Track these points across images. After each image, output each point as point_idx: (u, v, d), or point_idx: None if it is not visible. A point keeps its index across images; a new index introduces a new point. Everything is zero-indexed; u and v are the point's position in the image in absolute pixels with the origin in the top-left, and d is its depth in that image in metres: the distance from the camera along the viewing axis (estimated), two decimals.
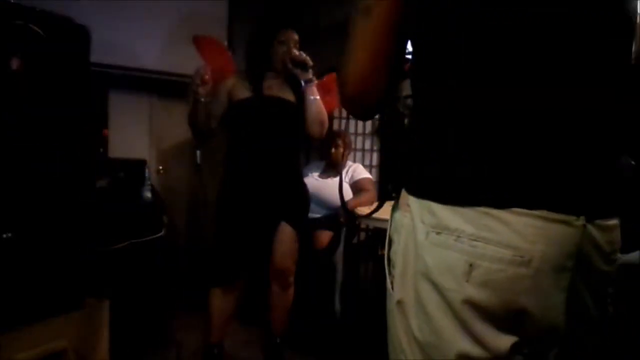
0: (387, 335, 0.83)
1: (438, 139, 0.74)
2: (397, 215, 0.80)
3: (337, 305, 2.98)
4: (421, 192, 0.75)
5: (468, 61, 0.71)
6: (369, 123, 3.95)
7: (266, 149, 2.25)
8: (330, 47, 4.09)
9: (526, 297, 0.69)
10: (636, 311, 1.97)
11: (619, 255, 0.83)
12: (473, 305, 0.69)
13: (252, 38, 2.40)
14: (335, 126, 3.97)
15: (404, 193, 0.80)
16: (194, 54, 2.59)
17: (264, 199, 2.26)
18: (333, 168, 3.31)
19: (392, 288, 0.79)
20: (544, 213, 0.68)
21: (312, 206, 3.15)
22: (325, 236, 3.05)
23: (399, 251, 0.78)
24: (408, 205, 0.77)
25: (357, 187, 3.20)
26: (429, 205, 0.73)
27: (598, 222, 0.74)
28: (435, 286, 0.71)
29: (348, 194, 3.17)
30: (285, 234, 2.34)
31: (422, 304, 0.73)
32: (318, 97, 2.28)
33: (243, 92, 2.27)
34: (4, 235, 1.67)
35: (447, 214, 0.71)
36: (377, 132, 3.95)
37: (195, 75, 2.11)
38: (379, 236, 3.65)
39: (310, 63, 2.24)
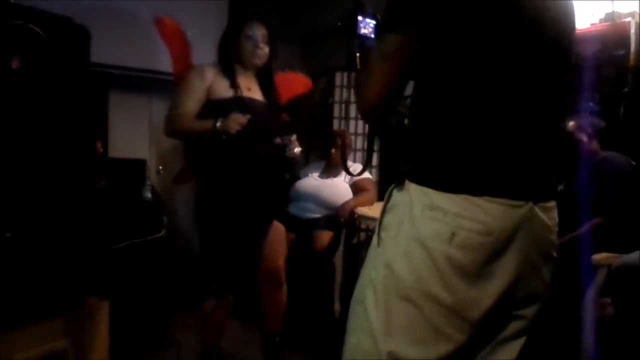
0: (360, 276, 1.13)
1: (435, 146, 1.05)
2: (399, 195, 1.08)
3: (337, 306, 2.98)
4: (420, 181, 1.03)
5: (458, 97, 1.02)
6: None
7: (249, 151, 2.17)
8: (330, 47, 4.09)
9: (486, 256, 0.99)
10: (636, 311, 1.97)
11: (557, 228, 1.13)
12: (451, 261, 0.98)
13: (223, 32, 2.30)
14: (335, 126, 3.98)
15: (406, 181, 1.07)
16: (194, 54, 2.58)
17: (254, 201, 2.22)
18: (333, 168, 3.31)
19: (379, 244, 1.09)
20: (504, 200, 0.99)
21: (312, 206, 3.16)
22: (325, 236, 3.04)
23: (396, 220, 1.06)
24: (408, 189, 1.05)
25: (357, 187, 3.19)
26: (426, 190, 1.02)
27: (541, 204, 1.05)
28: (425, 247, 1.00)
29: (348, 194, 3.17)
30: (277, 232, 2.30)
31: (410, 259, 1.01)
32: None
33: (223, 91, 2.15)
34: (5, 235, 1.67)
35: (438, 197, 1.00)
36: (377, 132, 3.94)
37: (236, 121, 2.05)
38: None
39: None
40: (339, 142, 3.30)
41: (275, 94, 2.33)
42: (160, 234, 2.56)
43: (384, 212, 1.11)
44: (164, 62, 3.09)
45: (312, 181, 3.26)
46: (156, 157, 3.39)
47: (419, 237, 1.00)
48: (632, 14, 2.66)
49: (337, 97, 4.00)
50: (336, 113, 4.02)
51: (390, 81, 1.06)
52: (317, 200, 3.16)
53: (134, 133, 3.28)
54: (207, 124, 2.08)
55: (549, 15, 1.04)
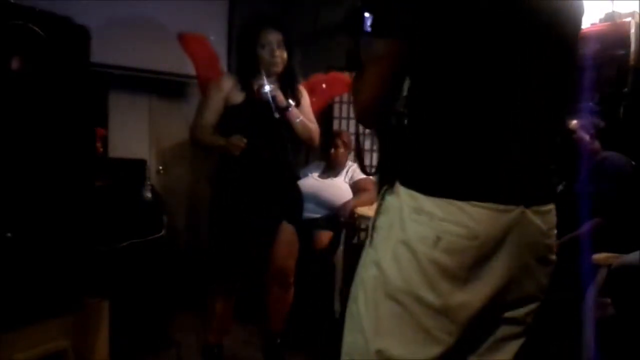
0: (354, 279, 1.12)
1: (422, 148, 1.05)
2: (390, 198, 1.08)
3: (337, 305, 2.98)
4: (409, 184, 1.04)
5: (444, 98, 1.01)
6: None
7: (261, 152, 2.23)
8: (330, 47, 4.07)
9: (472, 260, 0.99)
10: (636, 311, 1.97)
11: (555, 231, 1.11)
12: (437, 264, 0.98)
13: (238, 42, 2.41)
14: (335, 126, 3.97)
15: (397, 183, 1.07)
16: None
17: (262, 202, 2.25)
18: (333, 168, 3.31)
19: (370, 245, 1.09)
20: (490, 205, 0.98)
21: (312, 206, 3.16)
22: (325, 236, 3.04)
23: (387, 222, 1.07)
24: (397, 192, 1.06)
25: (357, 187, 3.20)
26: (414, 194, 1.02)
27: (534, 208, 1.03)
28: (412, 250, 1.00)
29: (348, 194, 3.17)
30: (287, 234, 2.33)
31: (399, 261, 1.02)
32: (300, 118, 2.30)
33: (237, 97, 2.25)
34: (5, 235, 1.67)
35: (425, 201, 1.00)
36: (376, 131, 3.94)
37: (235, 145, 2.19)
38: None
39: (283, 101, 2.24)
40: (339, 142, 3.30)
41: (297, 96, 2.37)
42: (160, 234, 2.55)
43: (377, 214, 1.12)
44: (164, 62, 3.11)
45: (312, 181, 3.26)
46: (156, 157, 3.38)
47: (407, 239, 1.01)
48: (632, 14, 2.66)
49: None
50: (336, 113, 4.02)
51: (381, 84, 1.07)
52: (317, 200, 3.15)
53: (134, 133, 3.28)
54: (216, 142, 2.26)
55: (546, 12, 1.01)
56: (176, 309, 2.80)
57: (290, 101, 2.28)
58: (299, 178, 3.28)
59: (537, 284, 1.09)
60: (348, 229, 3.11)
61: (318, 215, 3.13)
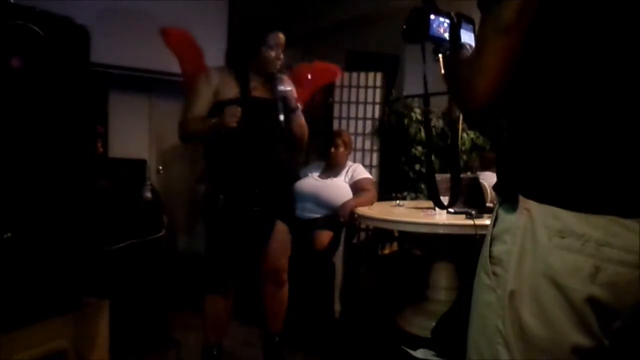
0: (473, 326, 0.91)
1: (568, 148, 0.81)
2: (512, 217, 0.86)
3: (337, 305, 2.98)
4: (545, 197, 0.81)
5: (601, 83, 0.80)
6: (369, 123, 3.96)
7: (254, 149, 2.22)
8: (330, 47, 4.08)
9: (636, 293, 0.79)
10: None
11: None
12: (595, 302, 0.78)
13: (238, 38, 2.37)
14: (335, 126, 3.98)
15: (521, 197, 0.85)
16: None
17: (255, 200, 2.24)
18: (333, 168, 3.31)
19: (497, 286, 0.86)
20: None
21: (312, 206, 3.16)
22: (325, 236, 3.04)
23: (514, 250, 0.84)
24: (526, 209, 0.83)
25: (357, 187, 3.20)
26: (554, 210, 0.80)
27: None
28: (558, 286, 0.79)
29: (348, 194, 3.17)
30: (281, 233, 2.33)
31: (540, 301, 0.81)
32: (302, 120, 2.30)
33: (230, 92, 2.21)
34: (4, 235, 1.67)
35: (572, 220, 0.79)
36: (376, 132, 3.96)
37: (231, 114, 2.09)
38: (379, 236, 3.64)
39: (293, 103, 2.22)
40: (339, 142, 3.31)
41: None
42: (160, 234, 2.56)
43: (491, 240, 0.89)
44: (164, 62, 3.11)
45: (312, 181, 3.26)
46: (156, 157, 3.39)
47: (550, 273, 0.80)
48: None
49: (337, 97, 4.00)
50: (336, 113, 4.02)
51: (511, 60, 0.83)
52: (317, 200, 3.16)
53: (134, 133, 3.28)
54: (208, 122, 2.16)
55: None
56: (176, 309, 2.81)
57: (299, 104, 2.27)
58: (298, 177, 3.29)
59: None
60: (348, 229, 3.11)
61: (318, 215, 3.14)
